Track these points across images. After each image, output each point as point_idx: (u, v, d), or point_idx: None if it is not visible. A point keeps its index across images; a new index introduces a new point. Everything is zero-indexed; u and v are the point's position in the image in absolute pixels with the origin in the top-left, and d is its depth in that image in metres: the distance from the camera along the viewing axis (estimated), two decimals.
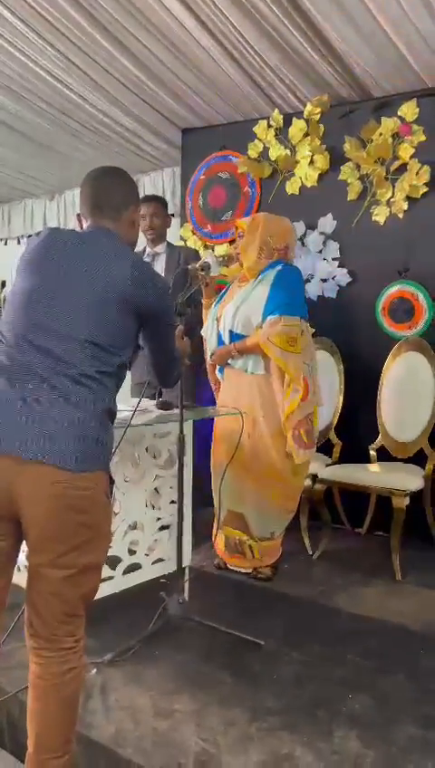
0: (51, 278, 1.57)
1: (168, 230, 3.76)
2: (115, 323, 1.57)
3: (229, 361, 2.95)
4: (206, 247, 4.27)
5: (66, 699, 1.52)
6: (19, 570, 2.39)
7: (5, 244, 6.56)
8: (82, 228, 1.74)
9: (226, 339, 2.94)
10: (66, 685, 1.51)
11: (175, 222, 4.49)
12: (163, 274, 3.41)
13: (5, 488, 1.42)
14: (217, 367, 3.05)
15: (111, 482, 1.56)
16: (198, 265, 2.79)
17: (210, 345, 3.05)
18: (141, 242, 3.67)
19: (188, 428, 2.58)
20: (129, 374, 3.63)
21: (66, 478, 1.41)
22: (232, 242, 3.04)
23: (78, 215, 1.77)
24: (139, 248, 3.68)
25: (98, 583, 1.58)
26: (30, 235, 6.24)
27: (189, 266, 2.92)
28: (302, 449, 2.80)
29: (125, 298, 1.58)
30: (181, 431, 2.31)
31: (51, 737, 1.51)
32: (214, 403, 3.24)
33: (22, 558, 2.35)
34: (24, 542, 1.50)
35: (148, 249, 3.64)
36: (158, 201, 3.70)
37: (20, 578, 2.42)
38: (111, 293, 1.56)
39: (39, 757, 1.51)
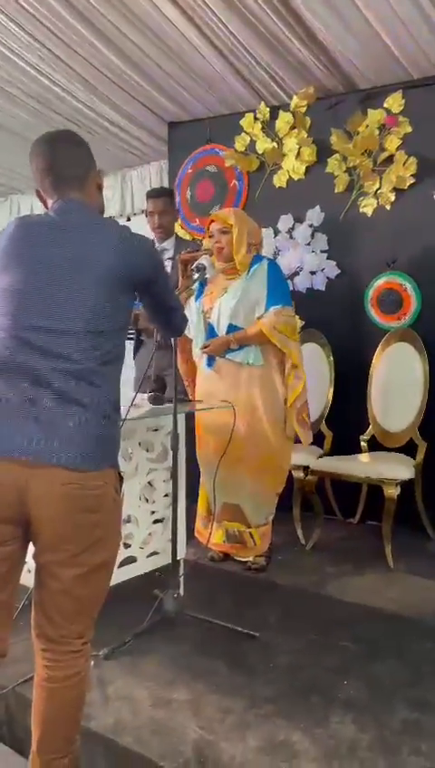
0: (34, 271, 1.47)
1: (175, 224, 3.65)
2: (112, 304, 1.49)
3: (227, 354, 2.95)
4: (193, 240, 4.27)
5: (71, 701, 1.52)
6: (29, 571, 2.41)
7: None
8: (47, 207, 1.60)
9: (221, 332, 2.94)
10: (72, 688, 1.51)
11: None
12: (170, 271, 3.39)
13: (16, 492, 1.39)
14: (206, 360, 3.04)
15: (120, 478, 1.54)
16: (193, 267, 2.80)
17: (198, 339, 3.05)
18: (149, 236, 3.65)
19: (181, 422, 2.60)
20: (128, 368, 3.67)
21: (77, 479, 1.40)
22: (211, 236, 3.03)
23: (37, 191, 1.62)
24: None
25: (109, 581, 1.56)
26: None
27: (178, 256, 2.92)
28: (306, 431, 3.01)
29: (118, 274, 1.50)
30: (175, 425, 2.32)
31: (55, 738, 1.51)
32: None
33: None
34: (32, 542, 1.47)
35: (156, 245, 3.53)
36: (166, 196, 3.49)
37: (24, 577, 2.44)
38: (102, 274, 1.48)
39: (43, 757, 1.50)
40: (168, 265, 3.39)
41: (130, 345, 3.50)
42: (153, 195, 3.50)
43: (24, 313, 1.46)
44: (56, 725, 1.52)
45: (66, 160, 1.58)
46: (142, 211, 3.97)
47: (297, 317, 3.48)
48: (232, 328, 2.90)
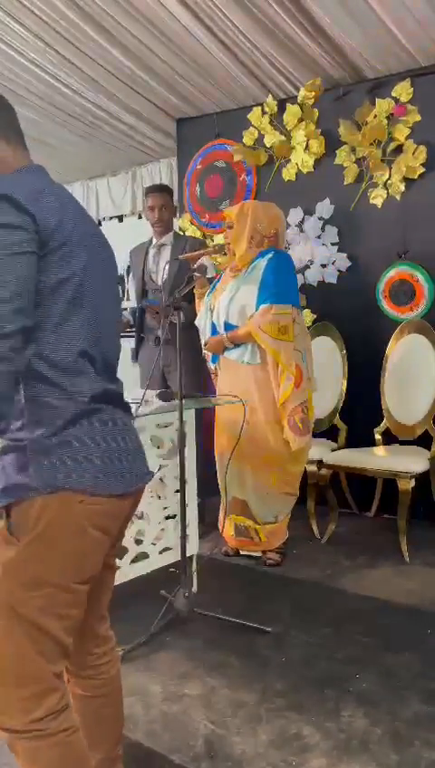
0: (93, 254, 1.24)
1: (174, 219, 3.71)
2: None
3: (225, 352, 2.96)
4: (204, 237, 4.28)
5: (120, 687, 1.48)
6: None
7: None
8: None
9: (220, 329, 2.95)
10: (119, 677, 1.46)
11: None
12: (169, 266, 3.41)
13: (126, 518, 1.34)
14: (211, 356, 3.07)
15: None
16: (195, 267, 2.81)
17: (204, 335, 3.06)
18: (148, 231, 3.67)
19: (190, 417, 2.60)
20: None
21: None
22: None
23: None
24: (145, 238, 3.69)
25: None
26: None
27: (180, 256, 2.95)
28: (298, 436, 2.83)
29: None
30: (181, 422, 2.33)
31: (119, 731, 1.46)
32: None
33: None
34: None
35: (154, 240, 3.58)
36: (167, 192, 3.58)
37: None
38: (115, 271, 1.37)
39: (111, 754, 1.43)
40: (167, 260, 3.41)
41: (130, 343, 3.56)
42: (154, 190, 3.56)
43: (101, 318, 1.24)
44: (120, 717, 1.46)
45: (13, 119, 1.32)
46: None
47: (299, 312, 3.44)
48: (229, 326, 2.90)
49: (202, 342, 3.11)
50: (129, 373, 5.22)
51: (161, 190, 3.58)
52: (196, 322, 3.16)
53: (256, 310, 2.81)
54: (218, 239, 4.15)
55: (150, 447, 2.51)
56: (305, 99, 3.73)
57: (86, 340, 1.19)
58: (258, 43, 3.41)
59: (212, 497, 3.37)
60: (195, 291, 3.15)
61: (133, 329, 3.62)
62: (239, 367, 2.92)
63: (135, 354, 3.65)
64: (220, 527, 3.12)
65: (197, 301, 3.17)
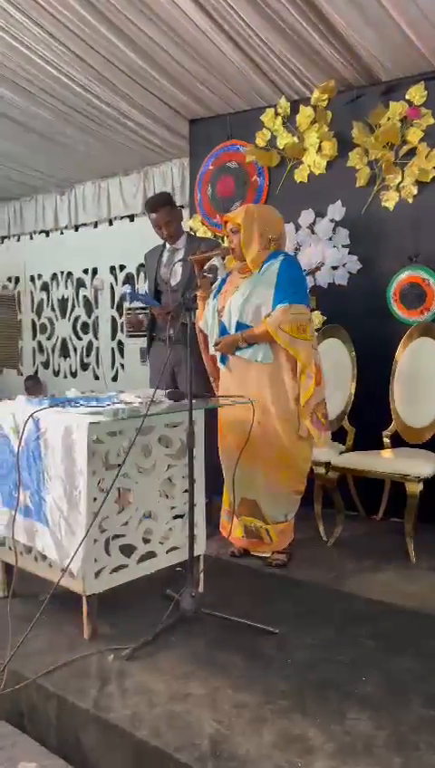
0: None
1: (182, 222, 3.67)
2: None
3: (236, 352, 2.97)
4: (215, 237, 4.28)
5: None
6: (36, 560, 2.45)
7: (18, 239, 6.63)
8: None
9: (231, 330, 2.95)
10: None
11: (184, 213, 4.50)
12: (182, 269, 3.40)
13: None
14: (219, 357, 3.07)
15: None
16: (205, 268, 2.82)
17: (212, 336, 3.07)
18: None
19: (200, 418, 2.61)
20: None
21: None
22: (228, 236, 3.03)
23: None
24: (158, 243, 3.69)
25: None
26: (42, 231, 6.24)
27: (189, 258, 2.95)
28: (323, 432, 2.91)
29: None
30: (190, 421, 2.34)
31: None
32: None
33: (41, 547, 2.40)
34: None
35: (168, 245, 3.56)
36: (164, 206, 3.40)
37: (39, 568, 2.48)
38: None
39: None
40: (179, 264, 3.38)
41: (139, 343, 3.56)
42: (150, 209, 3.44)
43: None
44: None
45: None
46: None
47: (313, 313, 3.48)
48: (241, 326, 2.91)
49: (211, 344, 3.11)
50: (138, 372, 5.26)
51: (158, 207, 3.39)
52: (199, 324, 3.16)
53: (273, 310, 2.83)
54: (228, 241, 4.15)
55: (159, 447, 2.52)
56: (319, 100, 3.74)
57: None
58: (272, 44, 3.42)
59: (220, 498, 3.37)
60: (198, 294, 3.14)
61: (144, 330, 3.63)
62: (250, 366, 2.93)
63: (145, 354, 3.66)
64: (224, 531, 3.12)
65: (199, 303, 3.16)
